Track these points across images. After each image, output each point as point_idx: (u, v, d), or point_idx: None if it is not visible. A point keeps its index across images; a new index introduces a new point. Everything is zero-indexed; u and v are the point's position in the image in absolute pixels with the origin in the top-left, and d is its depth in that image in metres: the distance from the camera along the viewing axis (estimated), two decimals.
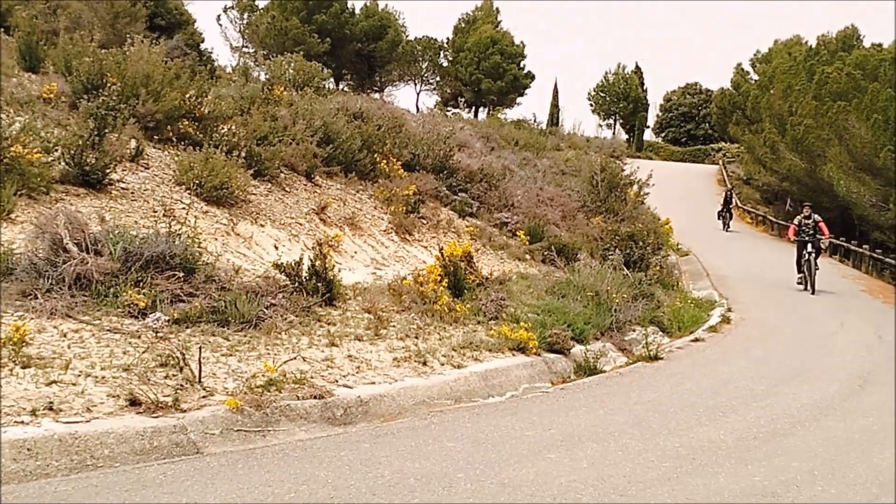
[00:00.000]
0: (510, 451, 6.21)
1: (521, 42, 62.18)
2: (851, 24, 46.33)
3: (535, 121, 51.60)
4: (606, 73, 75.18)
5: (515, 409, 7.87)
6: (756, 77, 52.64)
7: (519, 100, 64.22)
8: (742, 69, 57.17)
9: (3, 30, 16.33)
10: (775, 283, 20.96)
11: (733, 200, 37.28)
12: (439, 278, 10.94)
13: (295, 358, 7.65)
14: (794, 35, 55.13)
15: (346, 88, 47.60)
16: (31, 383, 5.91)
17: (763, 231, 36.78)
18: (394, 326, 9.55)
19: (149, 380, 6.34)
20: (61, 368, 6.27)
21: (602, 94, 74.37)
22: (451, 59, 62.74)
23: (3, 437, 5.07)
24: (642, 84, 74.30)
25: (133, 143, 11.74)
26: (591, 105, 75.57)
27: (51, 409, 5.55)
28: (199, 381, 6.56)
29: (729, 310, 16.10)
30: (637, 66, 75.61)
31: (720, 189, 47.48)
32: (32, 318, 7.05)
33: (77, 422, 5.48)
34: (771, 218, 37.83)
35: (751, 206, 41.61)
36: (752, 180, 44.87)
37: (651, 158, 60.74)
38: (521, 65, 61.93)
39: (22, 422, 5.32)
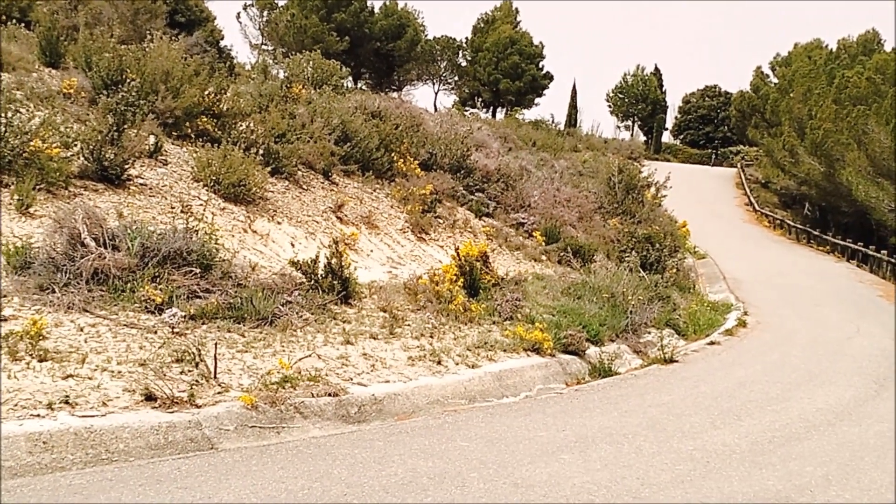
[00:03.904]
0: (523, 452, 6.20)
1: (540, 42, 62.12)
2: (872, 28, 46.14)
3: (552, 121, 51.63)
4: (625, 74, 75.03)
5: (529, 410, 7.86)
6: (776, 80, 52.53)
7: (537, 100, 64.20)
8: (761, 72, 57.02)
9: (24, 25, 16.45)
10: (792, 287, 20.86)
11: None
12: (455, 278, 10.95)
13: (310, 355, 7.67)
14: (814, 38, 54.91)
15: (364, 87, 47.70)
16: (48, 377, 5.95)
17: (781, 235, 36.59)
18: (409, 325, 9.56)
19: (164, 375, 6.37)
20: (78, 362, 6.31)
21: (621, 96, 74.18)
22: (469, 58, 62.75)
23: (20, 430, 5.11)
24: (661, 86, 74.07)
25: (151, 139, 11.79)
26: (610, 106, 75.40)
27: (67, 402, 5.59)
28: (215, 377, 6.59)
29: (745, 313, 16.02)
30: (656, 68, 75.43)
31: (738, 192, 47.31)
32: (50, 312, 7.09)
33: (93, 416, 5.51)
34: (789, 222, 37.65)
35: (769, 210, 41.41)
36: (771, 184, 44.66)
37: (669, 160, 60.57)
38: (540, 65, 61.84)
39: (38, 415, 5.36)
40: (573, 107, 65.52)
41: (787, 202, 43.50)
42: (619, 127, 75.18)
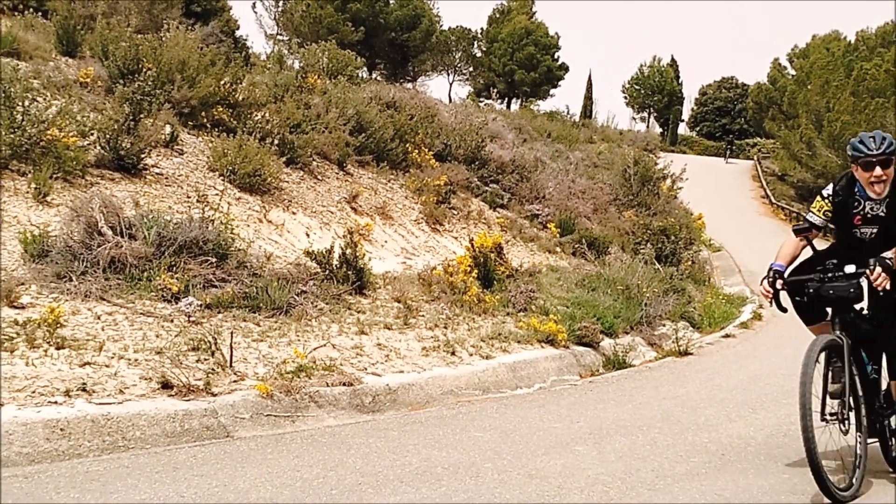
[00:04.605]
0: (538, 443, 6.21)
1: (556, 33, 62.05)
2: (891, 20, 45.69)
3: (568, 113, 51.47)
4: (641, 65, 74.85)
5: (543, 401, 7.86)
6: (793, 72, 52.22)
7: (552, 91, 64.09)
8: (779, 64, 56.72)
9: (41, 14, 16.50)
10: None
11: None
12: (469, 269, 10.94)
13: (325, 345, 7.69)
14: (832, 30, 54.45)
15: (379, 78, 47.63)
16: (66, 364, 5.99)
17: None
18: (423, 316, 9.57)
19: (181, 363, 6.40)
20: (95, 350, 6.34)
21: (636, 87, 73.93)
22: (484, 49, 62.69)
23: (38, 417, 5.15)
24: (677, 77, 73.79)
25: (168, 129, 11.82)
26: (626, 98, 75.20)
27: (84, 389, 5.62)
28: (231, 366, 6.62)
29: (760, 306, 15.95)
30: (672, 59, 75.14)
31: (754, 185, 47.09)
32: (67, 300, 7.13)
33: (110, 403, 5.55)
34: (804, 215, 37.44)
35: (785, 203, 41.21)
36: (787, 176, 44.45)
37: (685, 152, 60.28)
38: (556, 56, 61.74)
39: (56, 402, 5.39)
40: (588, 98, 65.43)
41: (803, 195, 43.20)
42: (634, 118, 75.02)
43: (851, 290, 5.46)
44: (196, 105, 12.85)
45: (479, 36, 63.32)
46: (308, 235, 11.72)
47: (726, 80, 74.30)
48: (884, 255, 5.39)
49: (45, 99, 10.67)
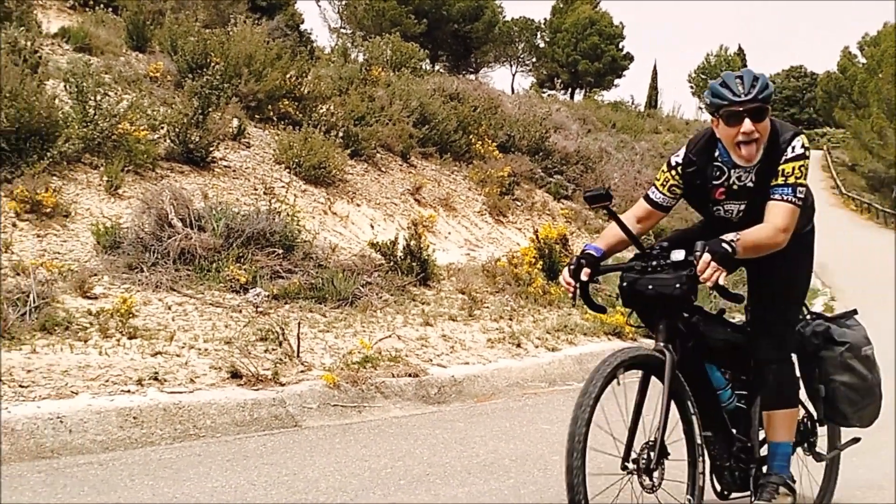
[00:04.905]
0: (605, 436, 6.13)
1: (620, 23, 61.48)
2: None
3: (632, 103, 50.97)
4: (708, 54, 73.85)
5: (610, 394, 7.78)
6: (864, 60, 50.99)
7: (616, 81, 63.58)
8: (849, 52, 55.45)
9: (111, 10, 16.81)
10: (881, 272, 20.25)
11: None
12: (534, 260, 10.88)
13: (390, 336, 7.71)
14: None
15: (441, 70, 47.68)
16: (138, 353, 6.10)
17: (868, 219, 35.60)
18: (487, 308, 9.55)
19: (249, 353, 6.47)
20: (166, 340, 6.45)
21: (703, 77, 72.93)
22: (547, 40, 62.43)
23: (111, 406, 5.24)
24: (745, 66, 72.53)
25: (235, 122, 11.97)
26: (692, 88, 74.21)
27: (156, 378, 5.71)
28: (298, 356, 6.67)
29: (832, 298, 15.62)
30: (740, 48, 74.14)
31: (824, 175, 46.11)
32: (138, 291, 7.26)
33: (181, 392, 5.63)
34: (877, 206, 36.61)
35: (856, 194, 40.29)
36: (858, 167, 43.47)
37: None
38: (620, 46, 61.16)
39: (128, 391, 5.49)
40: (654, 88, 64.72)
41: (874, 185, 42.27)
42: (701, 108, 73.90)
43: (677, 284, 3.75)
44: (263, 98, 12.99)
45: (542, 26, 63.10)
46: (372, 227, 11.78)
47: (795, 69, 73.03)
48: (723, 237, 3.64)
49: (116, 93, 10.87)
